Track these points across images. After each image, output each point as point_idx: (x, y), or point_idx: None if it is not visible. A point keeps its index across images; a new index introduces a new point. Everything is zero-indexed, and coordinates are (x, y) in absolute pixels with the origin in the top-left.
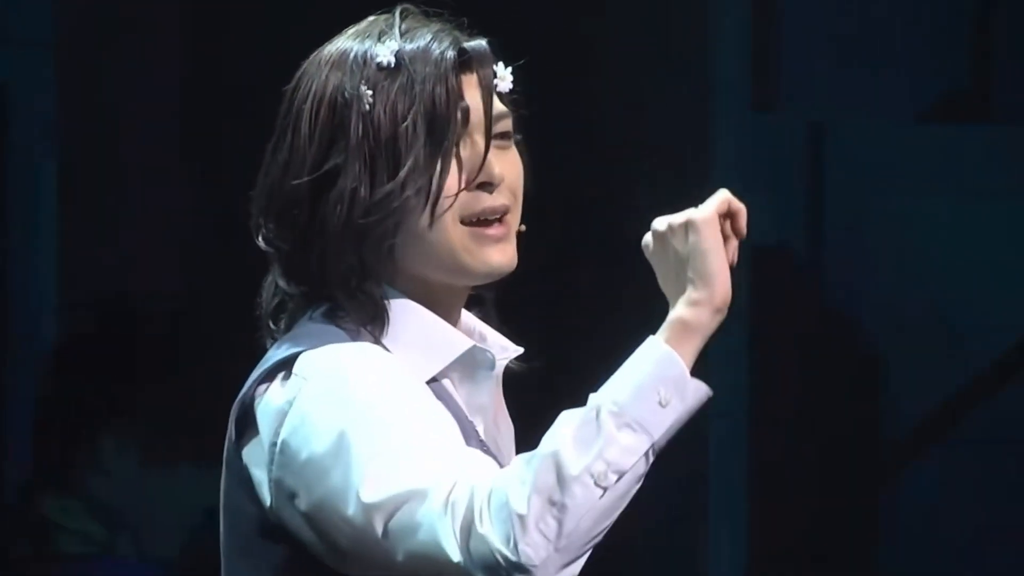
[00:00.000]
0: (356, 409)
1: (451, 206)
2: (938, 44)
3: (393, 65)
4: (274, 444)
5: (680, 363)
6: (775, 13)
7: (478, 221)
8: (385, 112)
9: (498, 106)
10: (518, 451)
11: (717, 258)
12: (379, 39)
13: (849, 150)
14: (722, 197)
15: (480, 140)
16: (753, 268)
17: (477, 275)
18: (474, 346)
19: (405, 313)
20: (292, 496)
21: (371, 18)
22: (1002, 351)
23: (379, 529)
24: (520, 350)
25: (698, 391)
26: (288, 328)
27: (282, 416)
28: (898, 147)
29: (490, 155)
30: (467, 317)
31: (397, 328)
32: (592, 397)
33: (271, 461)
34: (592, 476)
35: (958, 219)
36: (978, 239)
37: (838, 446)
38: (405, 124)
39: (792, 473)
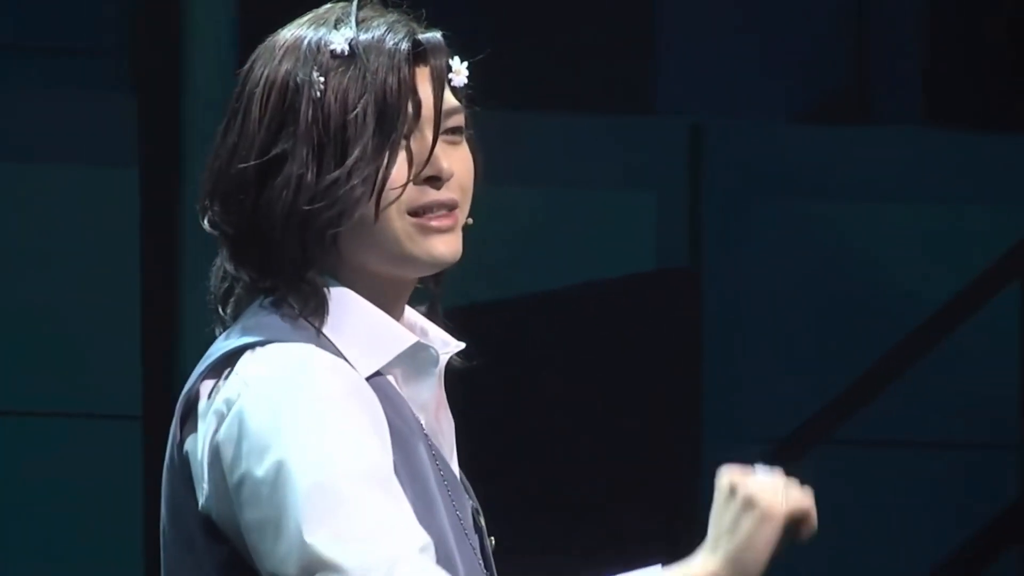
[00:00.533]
0: (298, 438)
1: (397, 198)
2: (818, 46)
3: (347, 53)
4: (213, 445)
5: None
6: (653, 15)
7: (423, 212)
8: (336, 100)
9: (450, 100)
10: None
11: (758, 557)
12: (335, 26)
13: (729, 152)
14: (805, 502)
15: (429, 133)
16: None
17: (421, 265)
18: (418, 342)
19: (348, 306)
20: (228, 502)
21: (328, 5)
22: (884, 353)
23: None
24: (461, 345)
25: None
26: (236, 315)
27: (221, 417)
28: (778, 148)
29: (439, 149)
30: (410, 312)
31: (340, 321)
32: None
33: (209, 462)
34: None
35: (839, 221)
36: (860, 241)
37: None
38: (355, 112)
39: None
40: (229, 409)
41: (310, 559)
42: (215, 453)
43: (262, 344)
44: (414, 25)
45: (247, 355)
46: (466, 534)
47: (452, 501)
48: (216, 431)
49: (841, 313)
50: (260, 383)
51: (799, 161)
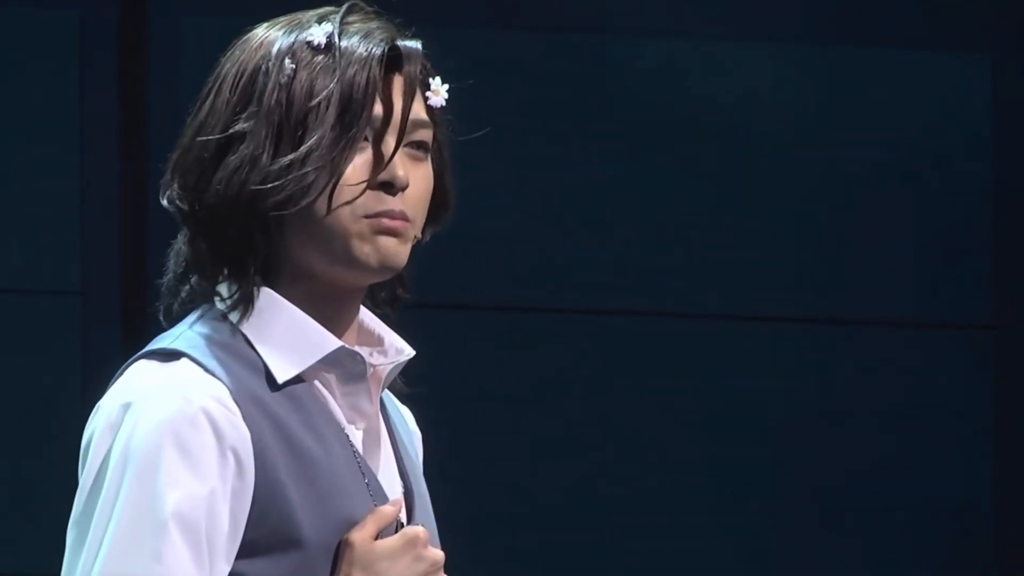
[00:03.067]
0: (109, 489)
1: (351, 199)
2: None
3: (323, 46)
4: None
5: None
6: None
7: (379, 215)
8: (302, 86)
9: (421, 114)
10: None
11: None
12: (318, 22)
13: None
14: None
15: (392, 140)
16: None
17: (364, 268)
18: (342, 347)
19: (275, 309)
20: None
21: (316, 10)
22: None
23: None
24: (412, 353)
25: None
26: (184, 305)
27: (89, 421)
28: None
29: (398, 158)
30: (368, 318)
31: (265, 322)
32: None
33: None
34: None
35: None
36: None
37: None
38: (318, 100)
39: None
40: (92, 415)
41: None
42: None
43: (136, 359)
44: (397, 32)
45: (128, 375)
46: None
47: (365, 508)
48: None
49: None
50: (104, 407)
51: None
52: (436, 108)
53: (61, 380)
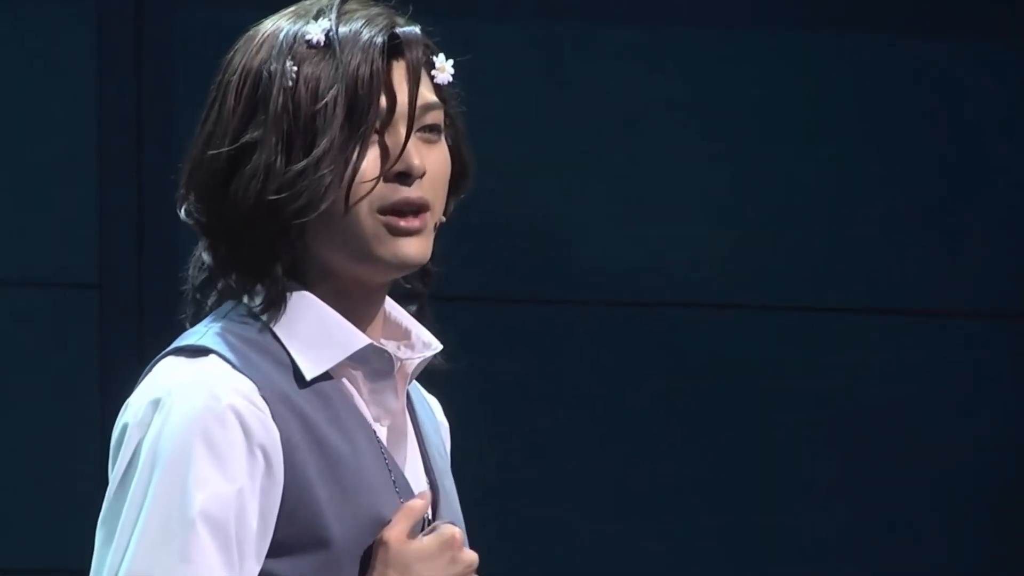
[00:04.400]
0: (141, 485)
1: (367, 193)
2: None
3: (322, 43)
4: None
5: None
6: None
7: (393, 211)
8: (307, 89)
9: (428, 97)
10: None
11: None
12: (315, 17)
13: None
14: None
15: (402, 129)
16: None
17: (386, 266)
18: (369, 345)
19: (304, 307)
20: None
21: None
22: None
23: None
24: (439, 347)
25: None
26: (213, 307)
27: (118, 419)
28: None
29: (411, 146)
30: (396, 311)
31: (294, 320)
32: None
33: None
34: None
35: None
36: None
37: None
38: (325, 102)
39: None
40: (122, 412)
41: None
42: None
43: (164, 356)
44: (396, 18)
45: (158, 369)
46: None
47: (392, 505)
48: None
49: None
50: (133, 404)
51: None
52: (444, 85)
53: (78, 373)
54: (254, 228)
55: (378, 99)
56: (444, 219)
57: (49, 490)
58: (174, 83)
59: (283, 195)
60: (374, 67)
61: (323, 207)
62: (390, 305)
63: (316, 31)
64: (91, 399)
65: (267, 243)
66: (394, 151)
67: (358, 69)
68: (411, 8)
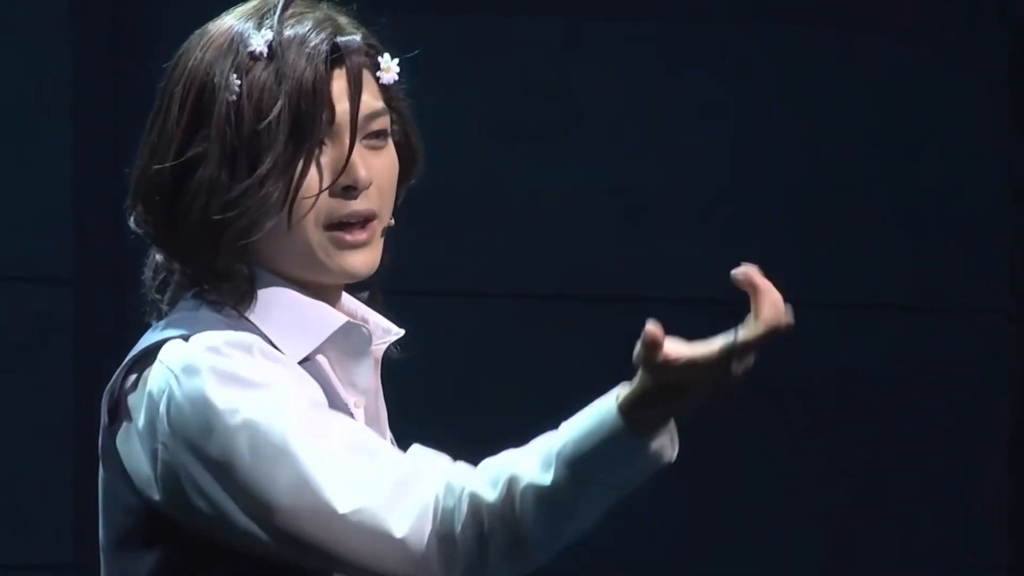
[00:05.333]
0: (264, 407)
1: (311, 208)
2: None
3: (265, 55)
4: (157, 437)
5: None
6: None
7: (339, 226)
8: (250, 104)
9: (371, 104)
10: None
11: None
12: (260, 23)
13: None
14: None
15: (347, 140)
16: None
17: (336, 277)
18: (348, 322)
19: (275, 293)
20: (194, 494)
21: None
22: None
23: (343, 534)
24: (401, 332)
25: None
26: (173, 304)
27: (153, 409)
28: None
29: (356, 157)
30: (348, 300)
31: (268, 307)
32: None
33: (155, 455)
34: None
35: None
36: None
37: None
38: (268, 120)
39: None
40: (160, 398)
41: (354, 528)
42: (169, 445)
43: (185, 337)
44: (340, 23)
45: (170, 345)
46: None
47: None
48: (152, 422)
49: None
50: (188, 369)
51: None
52: (390, 85)
53: (54, 370)
54: (203, 243)
55: (321, 113)
56: (393, 223)
57: (22, 487)
58: (152, 73)
59: (227, 215)
60: (317, 81)
61: (268, 226)
62: (344, 297)
63: (258, 42)
64: (67, 396)
65: (217, 256)
66: (338, 164)
67: (301, 83)
68: (355, 6)
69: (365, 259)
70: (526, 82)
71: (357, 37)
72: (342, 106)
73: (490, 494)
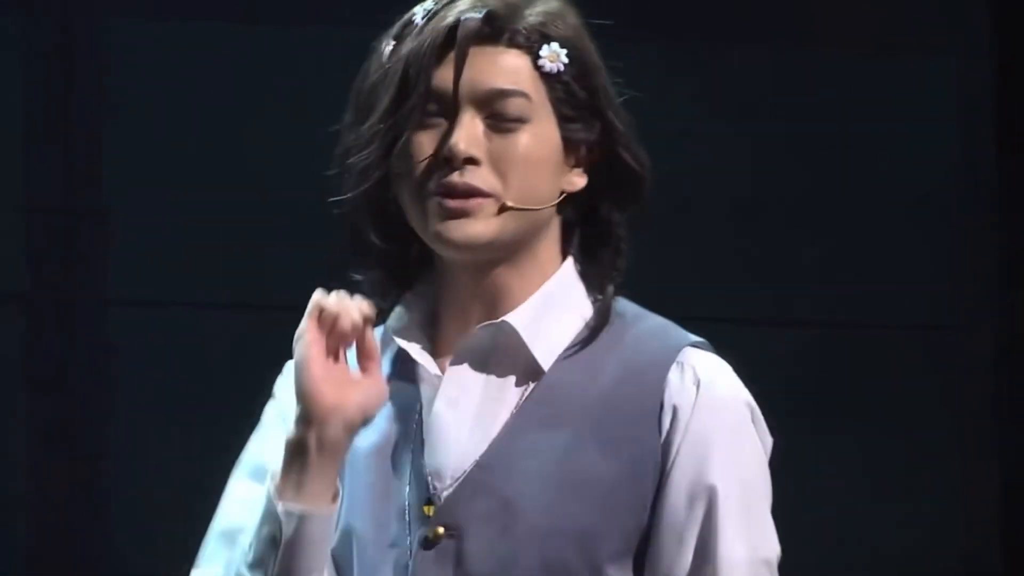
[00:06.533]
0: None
1: (420, 174)
2: None
3: (418, 23)
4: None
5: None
6: None
7: (441, 193)
8: (383, 65)
9: (495, 83)
10: None
11: (302, 375)
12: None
13: None
14: (312, 303)
15: (465, 115)
16: None
17: (443, 244)
18: (399, 349)
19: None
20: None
21: None
22: None
23: None
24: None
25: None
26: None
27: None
28: None
29: (464, 132)
30: (530, 308)
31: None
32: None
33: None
34: None
35: None
36: None
37: None
38: (381, 78)
39: None
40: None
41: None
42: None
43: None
44: (499, 2)
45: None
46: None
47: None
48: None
49: None
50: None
51: None
52: (553, 74)
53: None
54: (363, 213)
55: (426, 80)
56: (548, 205)
57: None
58: (104, 87)
59: (348, 160)
60: (426, 48)
61: (365, 185)
62: (542, 290)
63: (419, 11)
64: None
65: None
66: (443, 134)
67: (421, 50)
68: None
69: (462, 230)
70: None
71: (477, 16)
72: (447, 76)
73: None
